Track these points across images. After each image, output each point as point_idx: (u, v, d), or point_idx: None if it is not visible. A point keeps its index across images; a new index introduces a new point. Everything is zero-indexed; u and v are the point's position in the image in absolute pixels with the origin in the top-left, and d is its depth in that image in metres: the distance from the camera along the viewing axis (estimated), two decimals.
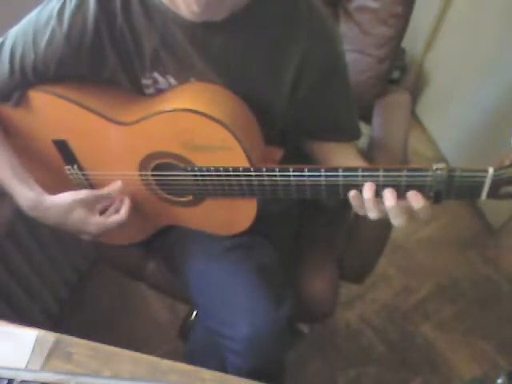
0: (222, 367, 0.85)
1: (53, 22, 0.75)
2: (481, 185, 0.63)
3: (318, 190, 0.73)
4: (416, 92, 1.98)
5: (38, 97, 0.83)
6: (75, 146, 0.87)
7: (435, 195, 0.66)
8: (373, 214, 0.70)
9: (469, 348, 1.44)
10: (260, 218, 0.85)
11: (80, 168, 0.90)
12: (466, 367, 1.41)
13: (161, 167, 0.83)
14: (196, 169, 0.79)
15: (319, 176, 0.72)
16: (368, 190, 0.68)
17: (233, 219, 0.89)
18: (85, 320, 1.47)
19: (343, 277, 1.09)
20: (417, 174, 0.66)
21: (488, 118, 1.65)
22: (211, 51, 0.76)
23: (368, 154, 1.01)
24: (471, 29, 1.63)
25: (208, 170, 0.78)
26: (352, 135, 0.91)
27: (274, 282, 0.87)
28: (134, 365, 0.67)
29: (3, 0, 1.12)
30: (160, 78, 0.80)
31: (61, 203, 0.82)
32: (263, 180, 0.76)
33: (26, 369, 0.65)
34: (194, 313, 1.31)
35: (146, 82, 0.81)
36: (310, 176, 0.72)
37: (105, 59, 0.78)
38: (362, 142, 0.99)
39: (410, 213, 0.68)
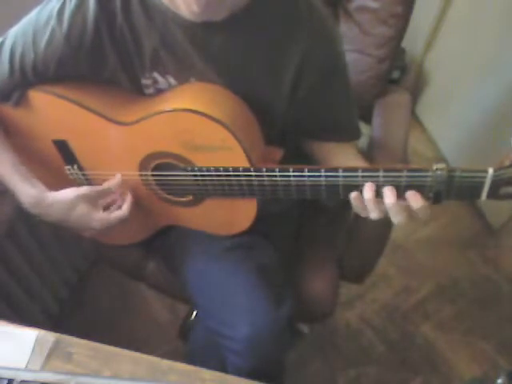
0: (222, 367, 0.84)
1: (53, 21, 0.75)
2: (481, 185, 0.63)
3: (318, 190, 0.73)
4: (416, 92, 1.98)
5: (38, 97, 0.82)
6: (75, 145, 0.87)
7: (435, 195, 0.66)
8: (374, 214, 0.71)
9: (469, 348, 1.44)
10: (260, 218, 0.85)
11: (80, 168, 0.90)
12: (466, 367, 1.41)
13: (161, 167, 0.83)
14: (196, 169, 0.79)
15: (319, 176, 0.72)
16: (368, 190, 0.68)
17: (233, 219, 0.89)
18: (85, 320, 1.47)
19: (343, 277, 1.09)
20: (417, 174, 0.66)
21: (488, 118, 1.65)
22: (211, 51, 0.76)
23: (368, 154, 1.01)
24: (471, 29, 1.63)
25: (208, 170, 0.78)
26: (352, 135, 0.91)
27: (273, 282, 0.87)
28: (134, 365, 0.67)
29: (3, 0, 1.12)
30: (160, 78, 0.80)
31: (63, 199, 0.82)
32: (263, 180, 0.76)
33: (26, 369, 0.65)
34: (194, 313, 1.31)
35: (145, 81, 0.81)
36: (310, 176, 0.72)
37: (105, 59, 0.78)
38: (362, 142, 0.99)
39: (409, 211, 0.68)
